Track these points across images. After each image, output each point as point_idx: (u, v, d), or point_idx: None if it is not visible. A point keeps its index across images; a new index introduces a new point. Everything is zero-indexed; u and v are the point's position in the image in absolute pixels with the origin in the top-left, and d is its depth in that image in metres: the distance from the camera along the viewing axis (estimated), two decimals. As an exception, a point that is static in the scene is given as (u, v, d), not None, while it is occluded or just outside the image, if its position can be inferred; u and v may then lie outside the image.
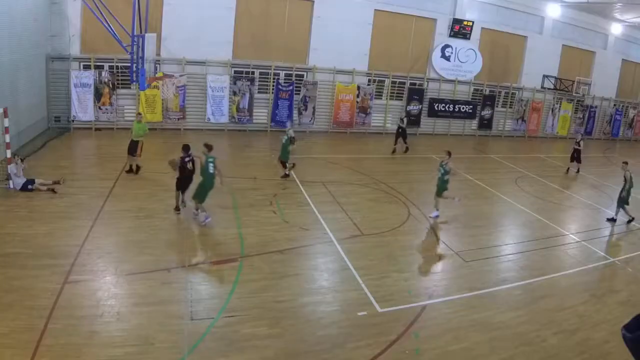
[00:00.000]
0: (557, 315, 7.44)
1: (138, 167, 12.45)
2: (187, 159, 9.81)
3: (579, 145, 17.79)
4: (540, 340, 6.74)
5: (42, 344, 5.57)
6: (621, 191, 12.24)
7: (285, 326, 6.53)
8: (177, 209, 10.07)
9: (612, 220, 12.35)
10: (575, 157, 17.89)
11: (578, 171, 17.97)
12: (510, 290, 8.20)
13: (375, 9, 20.39)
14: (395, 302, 7.39)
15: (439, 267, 8.94)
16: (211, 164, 9.48)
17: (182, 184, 10.00)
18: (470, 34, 22.24)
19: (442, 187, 11.26)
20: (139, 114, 13.82)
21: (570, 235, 11.23)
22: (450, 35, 22.09)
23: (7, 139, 10.85)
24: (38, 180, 10.56)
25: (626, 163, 12.59)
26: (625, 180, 12.14)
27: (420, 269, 8.79)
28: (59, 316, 6.14)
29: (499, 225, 11.85)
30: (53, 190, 10.43)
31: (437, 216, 11.26)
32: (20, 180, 10.38)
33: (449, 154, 11.28)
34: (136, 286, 7.10)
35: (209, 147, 9.54)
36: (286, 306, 7.02)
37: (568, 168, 18.14)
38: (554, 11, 24.04)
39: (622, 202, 12.20)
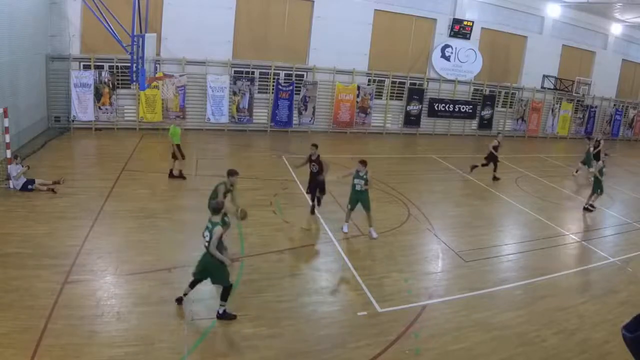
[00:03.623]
0: (557, 315, 7.44)
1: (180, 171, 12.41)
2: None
3: (599, 145, 17.87)
4: (540, 340, 6.74)
5: (42, 344, 5.57)
6: None
7: (285, 326, 6.53)
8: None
9: None
10: (586, 161, 17.32)
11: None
12: (510, 290, 8.19)
13: (375, 9, 20.40)
14: (396, 302, 7.38)
15: (439, 267, 8.93)
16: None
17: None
18: (470, 34, 22.24)
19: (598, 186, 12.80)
20: (177, 116, 14.72)
21: (570, 235, 11.23)
22: (450, 35, 22.09)
23: (7, 139, 10.86)
24: (38, 180, 10.56)
25: None
26: None
27: (420, 269, 8.78)
28: (59, 316, 6.13)
29: (499, 225, 11.84)
30: (53, 190, 10.44)
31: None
32: (20, 181, 10.38)
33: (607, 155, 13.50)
34: (136, 286, 7.11)
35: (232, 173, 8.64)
36: (286, 306, 7.02)
37: (576, 170, 17.49)
38: (554, 11, 24.04)
39: None
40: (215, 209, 6.37)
